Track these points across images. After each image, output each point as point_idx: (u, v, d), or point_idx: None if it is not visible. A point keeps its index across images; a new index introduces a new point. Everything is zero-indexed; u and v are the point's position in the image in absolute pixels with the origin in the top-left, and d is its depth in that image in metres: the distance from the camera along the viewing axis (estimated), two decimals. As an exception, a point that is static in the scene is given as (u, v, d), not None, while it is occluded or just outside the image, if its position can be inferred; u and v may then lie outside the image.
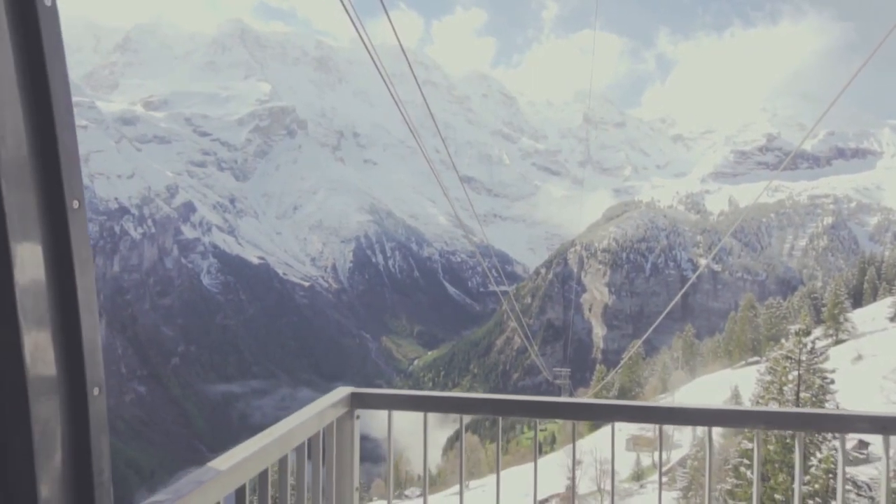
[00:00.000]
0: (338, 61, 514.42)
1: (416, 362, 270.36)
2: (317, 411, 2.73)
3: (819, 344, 26.46)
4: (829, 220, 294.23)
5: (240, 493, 2.09)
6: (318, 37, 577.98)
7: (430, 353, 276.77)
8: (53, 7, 1.51)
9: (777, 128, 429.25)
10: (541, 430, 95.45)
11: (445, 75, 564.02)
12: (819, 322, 72.48)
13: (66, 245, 1.57)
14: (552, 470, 42.48)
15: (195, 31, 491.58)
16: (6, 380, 1.44)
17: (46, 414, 1.48)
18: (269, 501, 2.29)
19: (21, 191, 1.43)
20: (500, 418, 3.23)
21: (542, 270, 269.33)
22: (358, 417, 3.08)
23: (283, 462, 2.39)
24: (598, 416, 3.36)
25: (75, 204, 1.58)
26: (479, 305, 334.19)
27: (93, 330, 1.63)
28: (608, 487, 40.11)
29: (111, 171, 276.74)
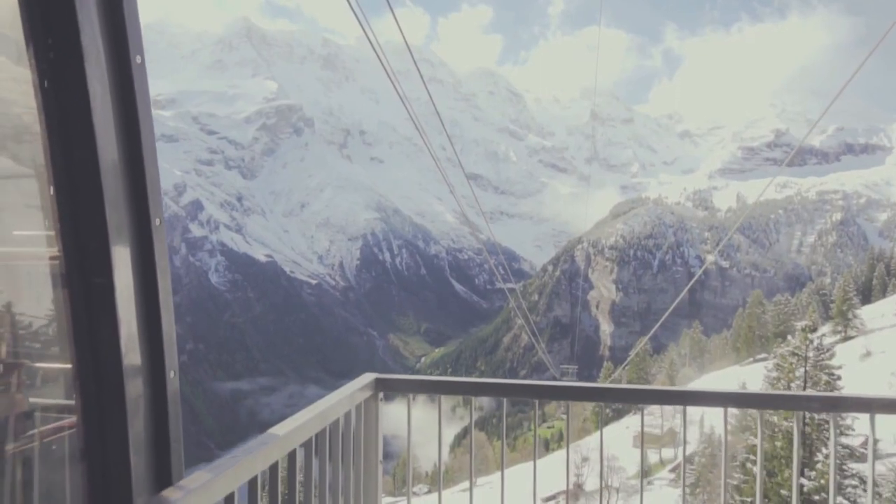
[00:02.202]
0: (344, 59, 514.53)
1: (423, 360, 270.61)
2: (347, 394, 3.13)
3: (827, 340, 26.39)
4: (838, 215, 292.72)
5: (291, 455, 2.52)
6: (325, 35, 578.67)
7: (437, 350, 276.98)
8: (142, 64, 2.01)
9: (785, 123, 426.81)
10: (548, 427, 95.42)
11: (452, 72, 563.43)
12: (828, 318, 72.12)
13: (150, 255, 2.08)
14: (559, 467, 42.49)
15: (202, 30, 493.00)
16: (107, 365, 1.96)
17: (135, 392, 2.00)
18: (315, 463, 2.74)
19: (117, 211, 1.94)
20: (505, 399, 3.72)
21: (550, 268, 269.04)
22: (382, 399, 3.50)
23: (321, 434, 2.78)
24: (617, 398, 3.81)
25: (157, 221, 2.10)
26: (487, 303, 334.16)
27: (170, 325, 2.17)
28: (615, 484, 40.15)
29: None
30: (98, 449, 1.97)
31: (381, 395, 3.51)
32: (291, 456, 2.51)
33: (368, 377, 3.45)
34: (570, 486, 39.96)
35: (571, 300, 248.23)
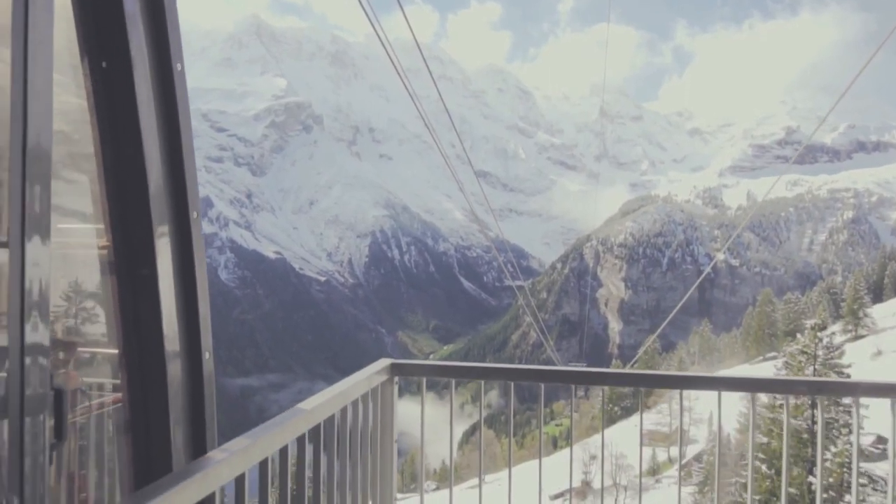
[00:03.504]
0: (353, 56, 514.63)
1: (431, 357, 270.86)
2: (365, 377, 3.28)
3: (837, 339, 26.29)
4: (849, 213, 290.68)
5: (315, 429, 2.66)
6: (334, 32, 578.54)
7: (445, 347, 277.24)
8: (182, 71, 2.24)
9: (796, 121, 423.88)
10: (556, 426, 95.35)
11: (461, 70, 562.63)
12: (838, 317, 71.71)
13: (188, 245, 2.28)
14: (567, 464, 42.42)
15: (212, 28, 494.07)
16: (151, 347, 2.15)
17: (174, 372, 2.19)
18: (336, 440, 2.89)
19: (160, 206, 2.14)
20: (509, 384, 3.94)
21: (558, 265, 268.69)
22: (396, 383, 3.69)
23: (344, 411, 2.96)
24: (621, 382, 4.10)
25: (195, 214, 2.30)
26: (495, 300, 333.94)
27: (205, 310, 2.38)
28: (623, 482, 40.14)
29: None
30: (142, 422, 2.16)
31: (396, 379, 3.68)
32: (315, 430, 2.65)
33: (384, 362, 3.63)
34: (580, 485, 40.00)
35: (580, 298, 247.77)
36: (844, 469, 17.22)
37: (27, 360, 1.62)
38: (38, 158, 1.64)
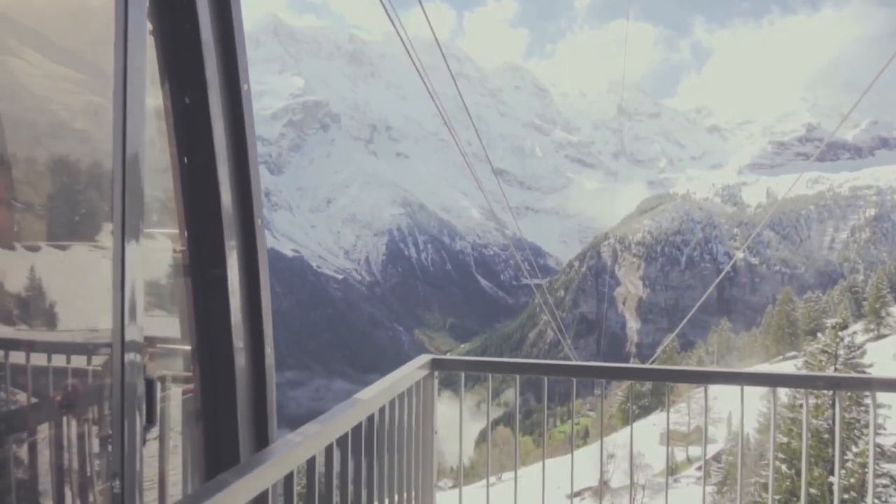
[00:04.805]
0: (370, 55, 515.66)
1: (448, 355, 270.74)
2: (407, 372, 3.44)
3: (859, 339, 25.97)
4: (871, 211, 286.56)
5: (370, 418, 2.81)
6: (352, 30, 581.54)
7: (462, 345, 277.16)
8: (248, 91, 2.48)
9: (817, 118, 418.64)
10: (574, 423, 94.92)
11: (477, 67, 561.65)
12: (860, 316, 70.83)
13: (253, 248, 2.49)
14: (585, 463, 42.29)
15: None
16: (221, 343, 2.35)
17: (241, 366, 2.40)
18: (385, 431, 3.06)
19: (229, 213, 2.37)
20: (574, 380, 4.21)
21: (576, 263, 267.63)
22: (436, 377, 3.89)
23: (392, 403, 3.12)
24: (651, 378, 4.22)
25: (259, 221, 2.52)
26: (512, 298, 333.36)
27: (267, 308, 2.59)
28: (641, 481, 39.92)
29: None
30: (212, 412, 2.35)
31: (436, 373, 3.89)
32: (370, 419, 2.80)
33: (425, 358, 3.83)
34: (597, 484, 39.83)
35: (598, 296, 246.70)
36: (866, 469, 17.01)
37: (127, 356, 1.80)
38: (134, 172, 1.82)
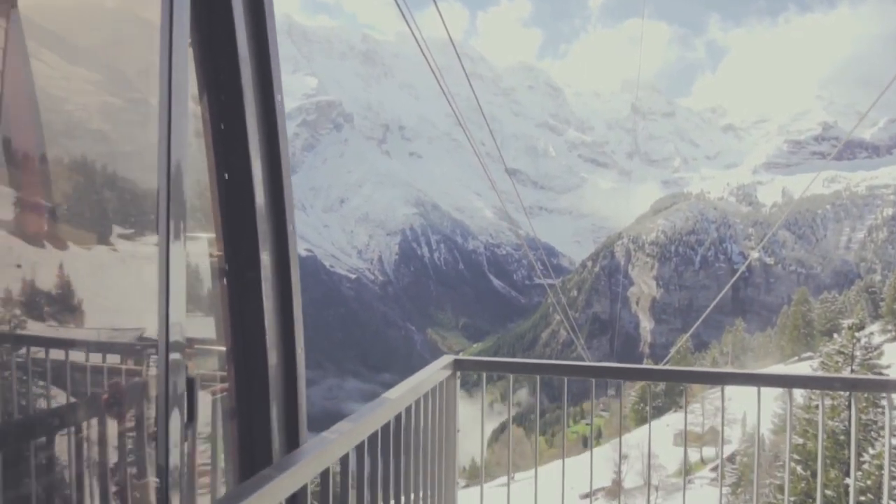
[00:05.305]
0: (383, 55, 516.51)
1: (461, 354, 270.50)
2: (432, 372, 3.53)
3: (876, 340, 25.71)
4: (889, 210, 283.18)
5: (398, 417, 2.89)
6: (364, 30, 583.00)
7: (475, 345, 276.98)
8: (282, 101, 2.61)
9: (833, 116, 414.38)
10: (586, 424, 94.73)
11: (491, 67, 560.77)
12: (877, 317, 70.02)
13: (285, 253, 2.59)
14: (598, 464, 42.12)
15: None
16: (255, 345, 2.43)
17: (273, 362, 2.49)
18: (412, 429, 3.16)
19: (263, 219, 2.47)
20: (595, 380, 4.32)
21: (589, 263, 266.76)
22: (458, 377, 4.00)
23: (418, 403, 3.21)
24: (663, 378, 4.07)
25: (291, 227, 2.62)
26: (525, 298, 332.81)
27: (298, 311, 2.70)
28: (655, 482, 39.73)
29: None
30: (246, 410, 2.43)
31: (458, 374, 4.00)
32: (398, 418, 2.88)
33: (447, 358, 3.94)
34: (611, 485, 39.72)
35: (611, 296, 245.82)
36: (882, 471, 16.83)
37: (171, 355, 1.88)
38: (177, 180, 1.89)
